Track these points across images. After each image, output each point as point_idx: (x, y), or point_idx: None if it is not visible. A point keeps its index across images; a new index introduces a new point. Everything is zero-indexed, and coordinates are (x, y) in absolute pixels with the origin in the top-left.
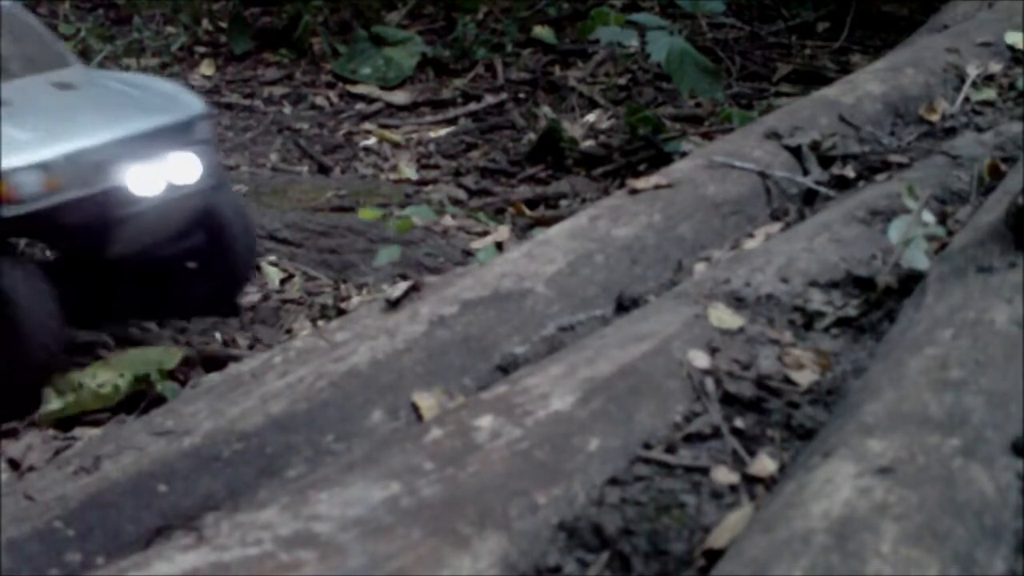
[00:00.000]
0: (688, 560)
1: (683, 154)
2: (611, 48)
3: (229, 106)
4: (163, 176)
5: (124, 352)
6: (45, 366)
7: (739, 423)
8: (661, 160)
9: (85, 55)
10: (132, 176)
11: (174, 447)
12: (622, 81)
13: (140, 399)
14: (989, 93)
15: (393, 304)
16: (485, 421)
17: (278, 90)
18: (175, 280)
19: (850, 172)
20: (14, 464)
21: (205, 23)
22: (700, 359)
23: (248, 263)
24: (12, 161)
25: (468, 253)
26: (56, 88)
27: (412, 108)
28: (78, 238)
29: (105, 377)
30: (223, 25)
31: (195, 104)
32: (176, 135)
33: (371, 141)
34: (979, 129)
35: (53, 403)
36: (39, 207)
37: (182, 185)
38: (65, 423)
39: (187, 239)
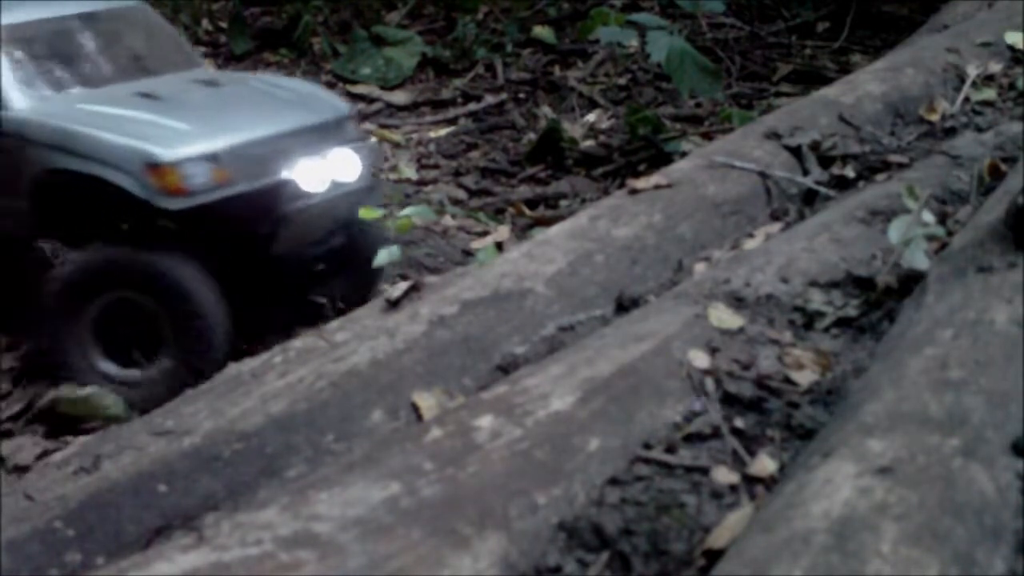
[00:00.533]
0: (688, 560)
1: (683, 154)
2: (611, 48)
3: None
4: (327, 172)
5: None
6: (217, 361)
7: (739, 423)
8: (661, 160)
9: None
10: (298, 171)
11: (174, 447)
12: (622, 81)
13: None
14: (989, 93)
15: (393, 304)
16: (485, 421)
17: None
18: (315, 281)
19: (850, 172)
20: (1, 459)
21: (205, 23)
22: (700, 359)
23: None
24: (180, 151)
25: (468, 253)
26: (201, 85)
27: (412, 108)
28: (243, 235)
29: None
30: (223, 25)
31: (341, 103)
32: (332, 132)
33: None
34: (979, 129)
35: (57, 405)
36: (208, 200)
37: (344, 182)
38: (59, 426)
39: (334, 238)
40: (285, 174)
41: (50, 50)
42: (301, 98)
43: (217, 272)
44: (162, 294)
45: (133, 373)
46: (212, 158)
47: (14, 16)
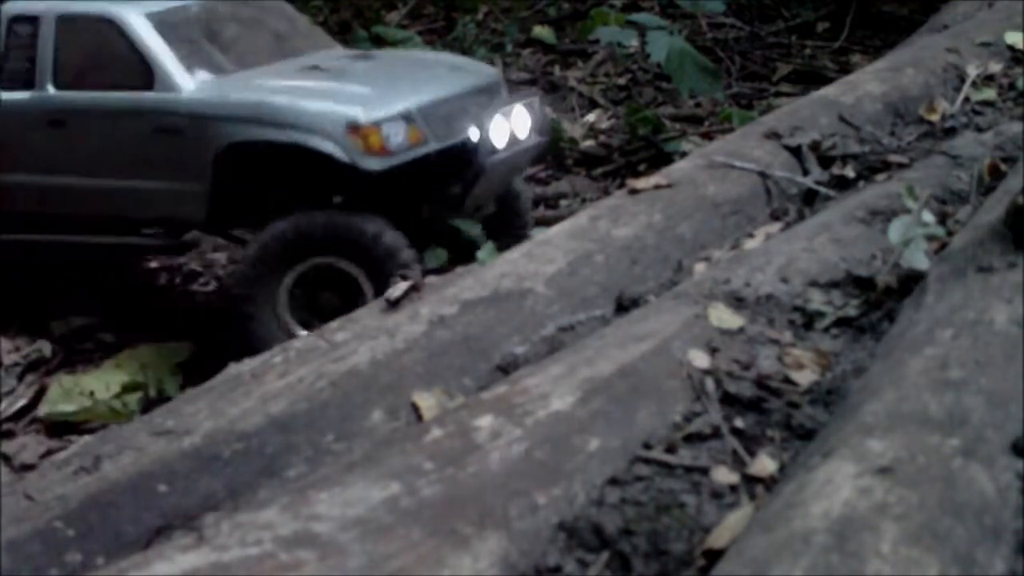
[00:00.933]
0: (688, 560)
1: (683, 154)
2: (611, 48)
3: None
4: (507, 129)
5: (134, 349)
6: None
7: (739, 423)
8: (661, 160)
9: None
10: (482, 128)
11: (174, 447)
12: (622, 81)
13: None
14: (989, 93)
15: (393, 304)
16: (485, 421)
17: None
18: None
19: (850, 172)
20: (6, 459)
21: None
22: (700, 359)
23: (527, 227)
24: (378, 112)
25: None
26: (355, 59)
27: None
28: (437, 193)
29: (116, 385)
30: None
31: (490, 67)
32: (496, 93)
33: None
34: (979, 129)
35: (61, 405)
36: (406, 159)
37: (521, 138)
38: (61, 426)
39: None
40: (471, 132)
41: (202, 34)
42: (455, 65)
43: (412, 232)
44: (365, 257)
45: None
46: (407, 117)
47: (161, 4)
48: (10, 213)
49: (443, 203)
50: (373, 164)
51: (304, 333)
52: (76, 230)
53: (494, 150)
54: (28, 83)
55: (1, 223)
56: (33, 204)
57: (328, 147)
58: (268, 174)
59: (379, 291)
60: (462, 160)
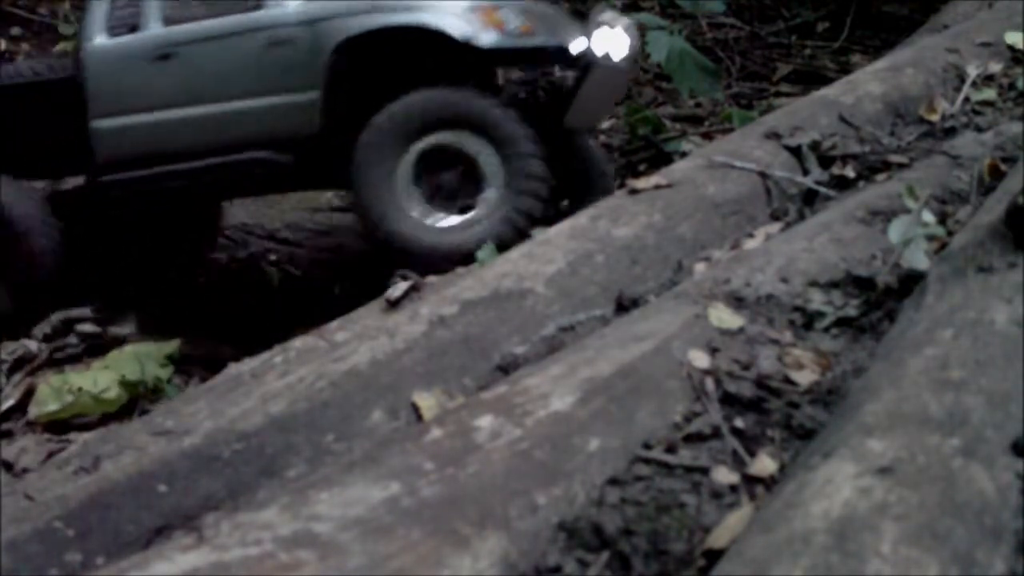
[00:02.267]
0: (688, 560)
1: (683, 154)
2: None
3: None
4: (606, 44)
5: (121, 349)
6: (544, 205)
7: (739, 423)
8: (661, 160)
9: None
10: (588, 36)
11: (174, 447)
12: None
13: (137, 401)
14: (989, 93)
15: (393, 304)
16: (485, 421)
17: None
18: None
19: (850, 172)
20: (7, 466)
21: None
22: (700, 359)
23: (610, 183)
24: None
25: None
26: None
27: None
28: (546, 91)
29: (104, 381)
30: None
31: None
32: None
33: None
34: (979, 129)
35: (49, 404)
36: (518, 45)
37: (623, 58)
38: (59, 425)
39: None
40: (577, 39)
41: None
42: None
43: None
44: (489, 133)
45: (452, 220)
46: (519, 10)
47: None
48: (123, 154)
49: (554, 101)
50: (492, 38)
51: (416, 215)
52: (187, 159)
53: (600, 53)
54: (133, 28)
55: (114, 164)
56: (144, 139)
57: (449, 23)
58: (381, 73)
59: (507, 165)
60: (565, 62)
